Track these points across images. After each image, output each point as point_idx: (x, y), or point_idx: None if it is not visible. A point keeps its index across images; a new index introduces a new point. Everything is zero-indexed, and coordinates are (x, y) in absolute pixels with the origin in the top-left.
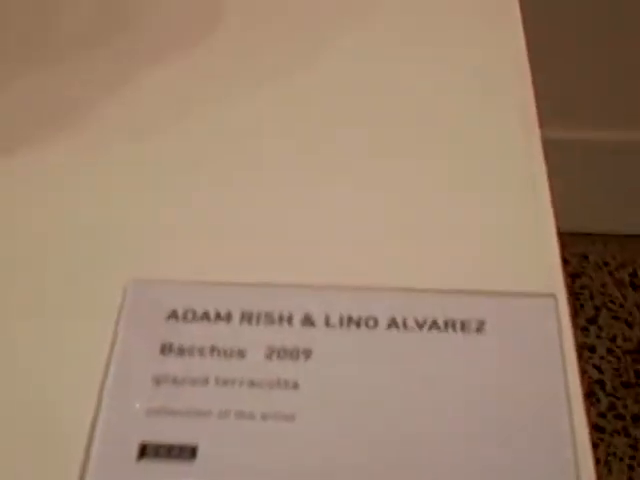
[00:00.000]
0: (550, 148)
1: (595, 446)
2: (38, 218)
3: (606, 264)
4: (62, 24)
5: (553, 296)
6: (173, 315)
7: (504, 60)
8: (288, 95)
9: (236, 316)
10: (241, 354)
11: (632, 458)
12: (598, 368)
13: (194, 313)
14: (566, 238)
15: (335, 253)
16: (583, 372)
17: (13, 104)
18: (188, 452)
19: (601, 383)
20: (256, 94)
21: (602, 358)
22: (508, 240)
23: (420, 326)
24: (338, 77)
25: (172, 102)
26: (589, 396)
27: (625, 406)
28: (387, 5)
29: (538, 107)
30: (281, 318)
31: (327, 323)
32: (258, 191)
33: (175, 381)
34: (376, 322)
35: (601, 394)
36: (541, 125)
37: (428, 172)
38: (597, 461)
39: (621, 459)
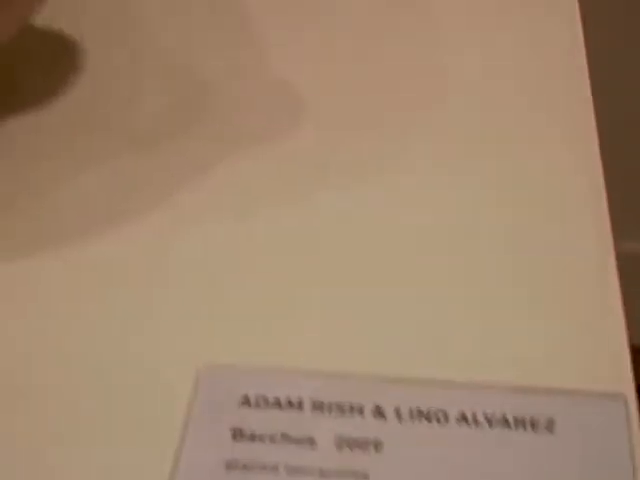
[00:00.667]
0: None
1: None
2: (106, 304)
3: None
4: (142, 111)
5: (623, 396)
6: (245, 401)
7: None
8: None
9: (307, 404)
10: (311, 443)
11: None
12: None
13: (266, 400)
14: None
15: (406, 345)
16: None
17: (93, 187)
18: None
19: None
20: (332, 192)
21: None
22: (578, 337)
23: (490, 422)
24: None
25: (247, 191)
26: None
27: None
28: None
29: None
30: (352, 409)
31: (398, 415)
32: (333, 279)
33: (246, 467)
34: (446, 416)
35: None
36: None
37: (493, 267)
38: None
39: None
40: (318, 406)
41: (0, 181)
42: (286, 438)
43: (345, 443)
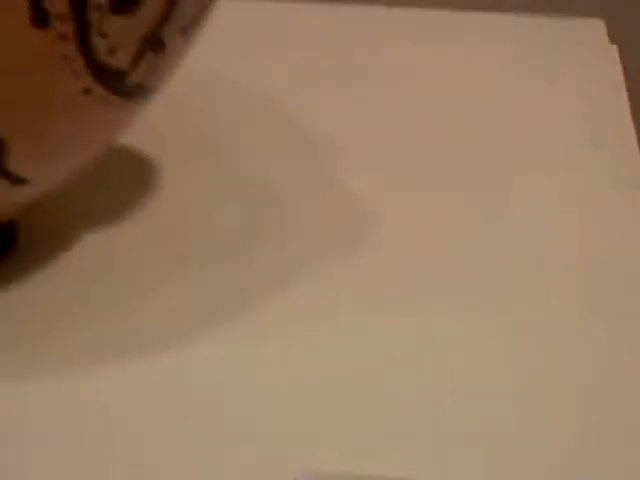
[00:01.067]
0: None
1: None
2: (191, 413)
3: None
4: (218, 224)
5: None
6: None
7: None
8: None
9: None
10: None
11: None
12: None
13: None
14: None
15: None
16: None
17: (172, 299)
18: None
19: None
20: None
21: None
22: None
23: None
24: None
25: (325, 300)
26: None
27: None
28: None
29: None
30: None
31: None
32: (430, 396)
33: None
34: None
35: None
36: None
37: None
38: None
39: None
40: None
41: (77, 295)
42: None
43: None
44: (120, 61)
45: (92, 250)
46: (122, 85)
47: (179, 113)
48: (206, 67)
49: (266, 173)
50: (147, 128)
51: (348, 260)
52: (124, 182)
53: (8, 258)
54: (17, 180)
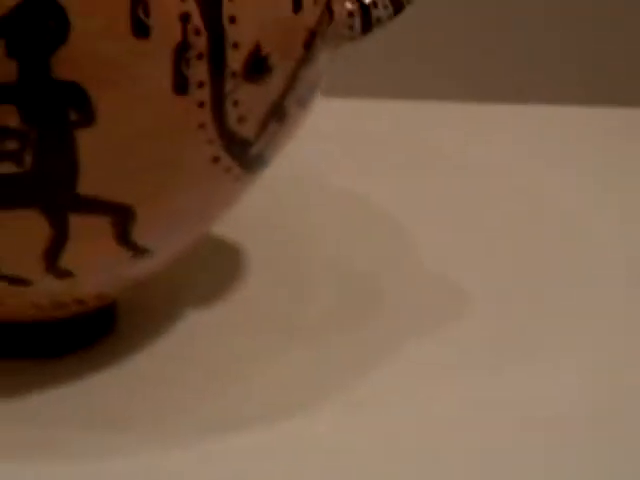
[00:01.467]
0: None
1: None
2: None
3: None
4: (308, 307)
5: None
6: None
7: None
8: None
9: None
10: None
11: None
12: None
13: None
14: None
15: None
16: None
17: (265, 380)
18: None
19: None
20: None
21: None
22: None
23: None
24: None
25: (419, 381)
26: None
27: None
28: None
29: None
30: None
31: None
32: None
33: None
34: None
35: None
36: None
37: None
38: None
39: None
40: None
41: (169, 382)
42: None
43: None
44: (247, 130)
45: (187, 330)
46: (246, 155)
47: (269, 202)
48: (296, 160)
49: (353, 255)
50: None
51: (437, 338)
52: (209, 267)
53: (108, 337)
54: (140, 251)
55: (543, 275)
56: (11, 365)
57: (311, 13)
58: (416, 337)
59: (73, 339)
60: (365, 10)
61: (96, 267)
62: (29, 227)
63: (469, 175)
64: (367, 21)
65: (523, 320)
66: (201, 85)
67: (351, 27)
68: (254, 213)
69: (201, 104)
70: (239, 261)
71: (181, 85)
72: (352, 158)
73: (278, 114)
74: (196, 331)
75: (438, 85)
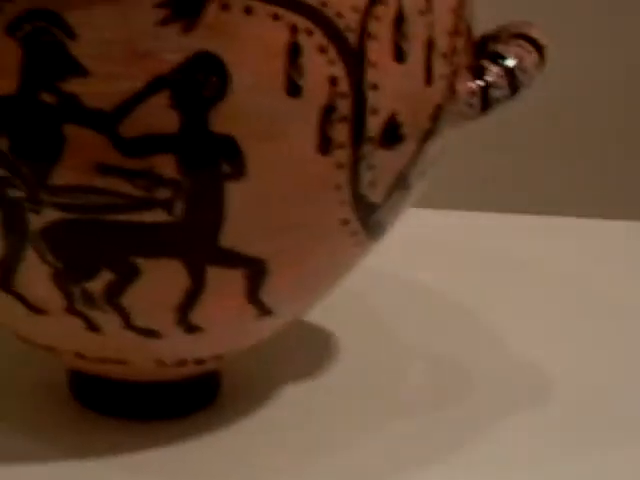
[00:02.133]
0: None
1: None
2: None
3: None
4: (404, 382)
5: None
6: None
7: None
8: None
9: None
10: None
11: None
12: None
13: None
14: None
15: None
16: None
17: (365, 455)
18: None
19: None
20: None
21: None
22: None
23: None
24: None
25: (517, 455)
26: None
27: None
28: None
29: None
30: None
31: None
32: None
33: None
34: None
35: None
36: None
37: None
38: None
39: None
40: None
41: (275, 444)
42: None
43: None
44: (376, 195)
45: (286, 403)
46: (370, 220)
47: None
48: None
49: (439, 344)
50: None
51: (525, 420)
52: (300, 348)
53: (211, 405)
54: (265, 310)
55: (626, 360)
56: (123, 424)
57: (439, 88)
58: (503, 418)
59: (180, 402)
60: (485, 90)
61: (222, 324)
62: (169, 277)
63: (545, 274)
64: (486, 100)
65: (608, 404)
66: (341, 147)
67: (471, 105)
68: (346, 299)
69: (340, 165)
70: (331, 342)
71: (324, 145)
72: (437, 259)
73: (403, 183)
74: (295, 405)
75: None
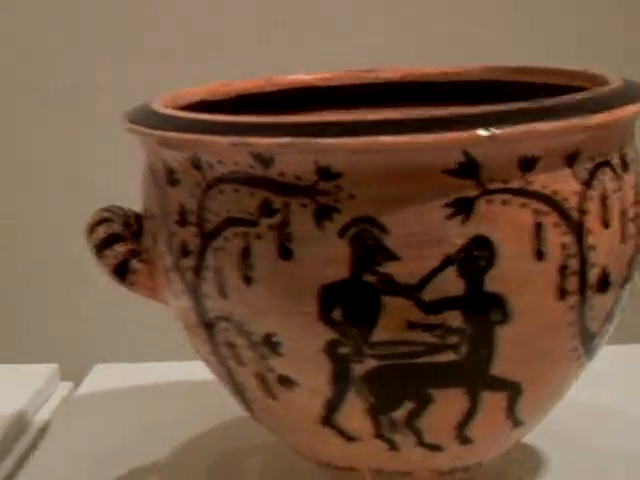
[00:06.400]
0: None
1: None
2: None
3: None
4: None
5: None
6: None
7: None
8: None
9: None
10: None
11: None
12: None
13: None
14: None
15: None
16: None
17: None
18: None
19: None
20: None
21: None
22: None
23: None
24: None
25: None
26: None
27: None
28: None
29: None
30: None
31: None
32: None
33: None
34: None
35: None
36: None
37: None
38: None
39: None
40: None
41: None
42: None
43: None
44: (595, 327)
45: None
46: (590, 346)
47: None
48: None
49: None
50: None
51: None
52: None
53: None
54: (517, 424)
55: None
56: None
57: (630, 244)
58: None
59: None
60: None
61: (487, 436)
62: (453, 402)
63: None
64: None
65: None
66: (572, 294)
67: None
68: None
69: (571, 308)
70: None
71: (561, 294)
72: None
73: (610, 317)
74: None
75: None
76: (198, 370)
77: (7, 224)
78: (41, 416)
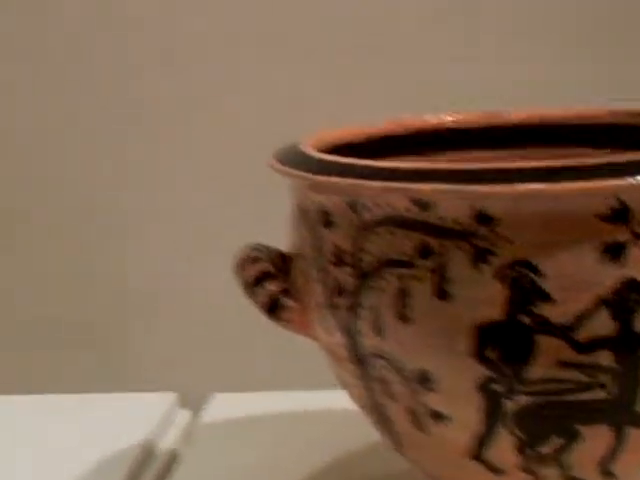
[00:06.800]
0: None
1: None
2: None
3: None
4: None
5: None
6: None
7: None
8: None
9: None
10: None
11: None
12: None
13: None
14: None
15: None
16: None
17: None
18: None
19: None
20: None
21: None
22: None
23: None
24: None
25: None
26: None
27: None
28: None
29: None
30: None
31: None
32: None
33: None
34: None
35: None
36: None
37: None
38: None
39: None
40: None
41: None
42: None
43: None
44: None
45: None
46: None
47: None
48: None
49: None
50: None
51: None
52: None
53: None
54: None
55: None
56: None
57: None
58: None
59: None
60: None
61: (630, 472)
62: (599, 438)
63: None
64: None
65: None
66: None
67: None
68: None
69: None
70: None
71: None
72: None
73: None
74: None
75: None
76: (311, 399)
77: (137, 255)
78: (165, 444)
